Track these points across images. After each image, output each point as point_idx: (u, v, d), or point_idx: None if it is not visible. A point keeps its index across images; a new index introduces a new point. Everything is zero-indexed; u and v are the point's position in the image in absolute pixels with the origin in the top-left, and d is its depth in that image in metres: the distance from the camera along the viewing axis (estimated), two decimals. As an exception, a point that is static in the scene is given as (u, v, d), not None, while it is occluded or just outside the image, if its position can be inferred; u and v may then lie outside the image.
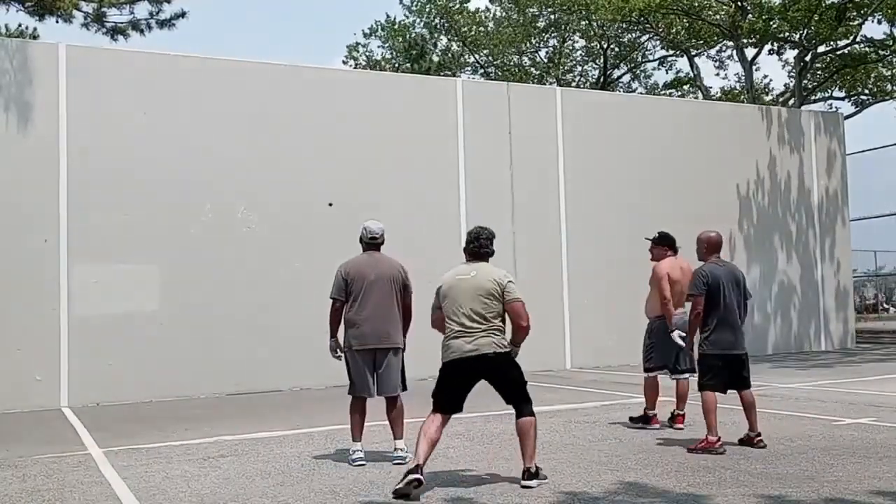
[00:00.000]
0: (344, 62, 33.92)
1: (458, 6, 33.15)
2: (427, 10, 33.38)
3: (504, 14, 32.72)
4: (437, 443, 5.73)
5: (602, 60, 32.66)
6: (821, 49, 25.95)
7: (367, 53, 34.12)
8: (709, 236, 7.32)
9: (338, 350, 6.88)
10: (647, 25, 28.29)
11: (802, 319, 17.49)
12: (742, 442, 6.88)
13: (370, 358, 6.67)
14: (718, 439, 6.65)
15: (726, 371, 6.85)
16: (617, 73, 33.88)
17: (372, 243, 6.86)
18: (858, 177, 20.56)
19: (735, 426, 7.96)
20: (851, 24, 24.14)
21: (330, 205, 12.90)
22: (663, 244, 8.58)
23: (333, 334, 6.85)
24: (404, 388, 6.83)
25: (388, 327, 6.69)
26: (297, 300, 12.54)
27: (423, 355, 7.21)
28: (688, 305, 7.33)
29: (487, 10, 32.92)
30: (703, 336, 6.86)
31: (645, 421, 7.99)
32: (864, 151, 23.94)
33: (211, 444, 7.68)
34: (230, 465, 6.70)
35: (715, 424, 6.67)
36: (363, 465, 6.48)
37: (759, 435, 6.82)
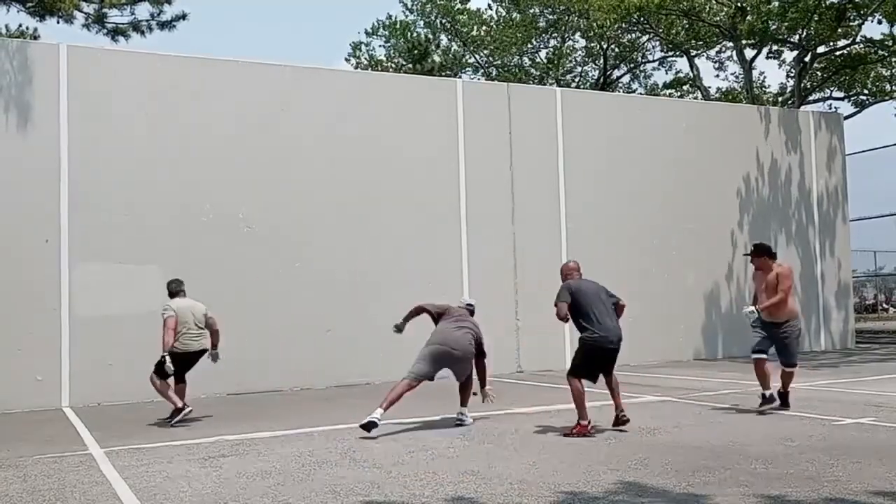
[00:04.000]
0: (347, 60, 33.94)
1: (458, 6, 33.15)
2: (427, 9, 33.38)
3: (504, 14, 32.72)
4: None
5: (602, 61, 32.67)
6: (820, 49, 25.97)
7: (370, 52, 34.11)
8: (567, 265, 8.50)
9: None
10: (647, 26, 28.30)
11: (803, 318, 17.49)
12: (615, 423, 7.99)
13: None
14: (589, 422, 7.72)
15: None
16: (617, 73, 33.89)
17: (469, 310, 8.88)
18: (858, 177, 20.58)
19: (732, 426, 7.98)
20: (851, 24, 24.16)
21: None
22: (762, 254, 9.10)
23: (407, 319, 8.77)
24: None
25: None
26: (297, 300, 12.56)
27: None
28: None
29: (489, 6, 32.90)
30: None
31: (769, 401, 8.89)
32: (863, 152, 23.98)
33: (211, 444, 7.69)
34: (231, 464, 6.71)
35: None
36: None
37: (622, 411, 8.06)
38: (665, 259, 15.86)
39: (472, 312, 8.90)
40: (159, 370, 9.08)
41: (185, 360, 9.29)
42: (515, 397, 10.75)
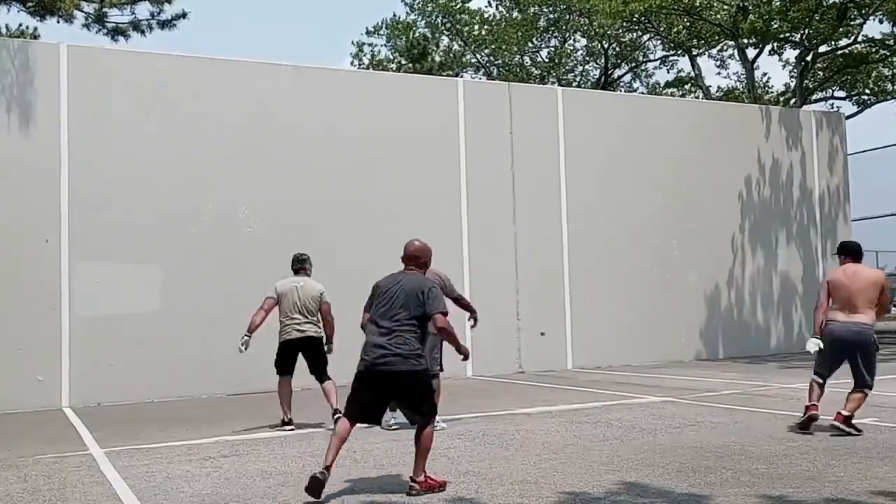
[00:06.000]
0: (351, 63, 33.98)
1: (459, 5, 33.14)
2: (429, 9, 33.38)
3: (505, 13, 32.71)
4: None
5: (603, 60, 32.66)
6: (822, 49, 25.95)
7: (373, 52, 34.12)
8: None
9: None
10: (648, 25, 28.30)
11: (804, 318, 17.47)
12: None
13: None
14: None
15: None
16: (618, 72, 33.88)
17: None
18: (860, 177, 20.54)
19: (734, 426, 7.96)
20: (852, 23, 24.14)
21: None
22: (840, 253, 8.00)
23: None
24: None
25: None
26: (298, 300, 12.54)
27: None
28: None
29: (489, 4, 32.88)
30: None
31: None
32: (865, 151, 23.95)
33: (212, 445, 7.68)
34: (231, 465, 6.70)
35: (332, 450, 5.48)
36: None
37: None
38: (666, 259, 15.84)
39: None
40: (276, 363, 8.49)
41: (286, 351, 8.41)
42: (516, 397, 10.74)
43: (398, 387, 5.50)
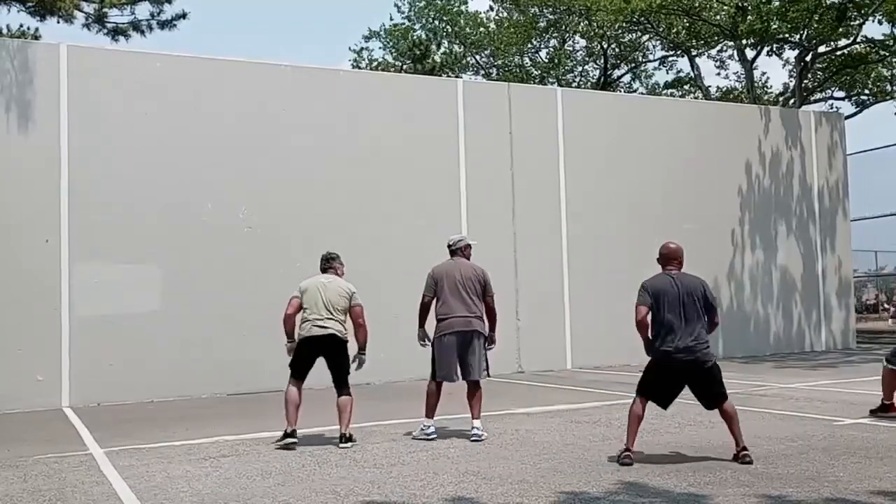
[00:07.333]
0: (352, 67, 33.98)
1: (457, 7, 33.15)
2: (425, 12, 33.40)
3: (505, 14, 32.73)
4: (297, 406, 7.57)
5: (602, 60, 32.68)
6: (821, 49, 25.97)
7: (370, 57, 34.12)
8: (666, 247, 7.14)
9: (425, 339, 7.92)
10: (648, 25, 28.32)
11: (803, 317, 17.49)
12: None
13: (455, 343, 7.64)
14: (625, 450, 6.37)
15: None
16: (617, 73, 33.90)
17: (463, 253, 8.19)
18: (859, 177, 20.53)
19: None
20: (852, 24, 24.16)
21: None
22: None
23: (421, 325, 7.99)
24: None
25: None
26: (297, 300, 12.54)
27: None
28: None
29: (491, 8, 32.92)
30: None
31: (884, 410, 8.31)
32: (864, 151, 23.94)
33: (212, 444, 7.68)
34: (231, 464, 6.70)
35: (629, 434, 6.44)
36: (435, 438, 7.52)
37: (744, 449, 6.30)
38: (666, 259, 15.84)
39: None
40: (290, 362, 7.61)
41: (303, 350, 7.49)
42: (516, 397, 10.75)
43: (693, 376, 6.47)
